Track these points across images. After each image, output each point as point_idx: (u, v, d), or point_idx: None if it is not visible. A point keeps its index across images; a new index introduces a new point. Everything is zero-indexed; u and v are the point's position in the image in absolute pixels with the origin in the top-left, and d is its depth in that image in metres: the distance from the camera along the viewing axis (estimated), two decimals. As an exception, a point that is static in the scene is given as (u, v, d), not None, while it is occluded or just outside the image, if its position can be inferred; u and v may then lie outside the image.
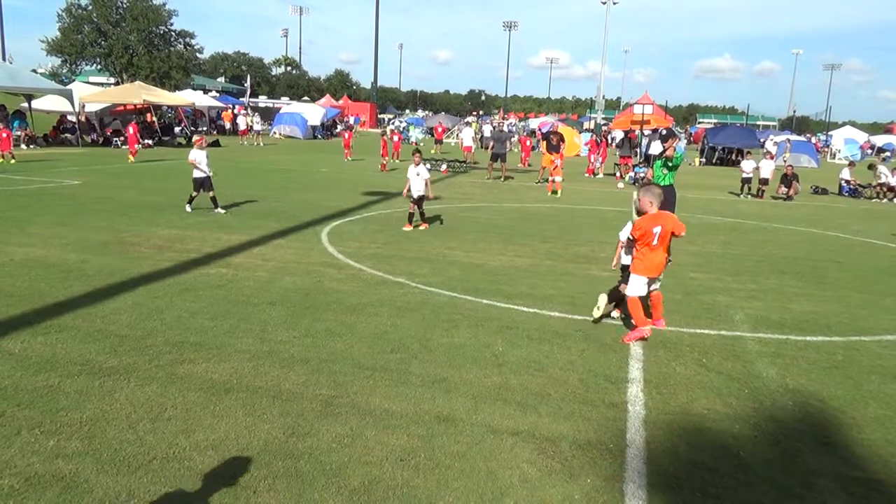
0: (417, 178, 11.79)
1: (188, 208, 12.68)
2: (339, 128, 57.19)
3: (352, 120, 61.93)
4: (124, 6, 56.66)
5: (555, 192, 19.65)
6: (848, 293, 8.72)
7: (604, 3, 50.93)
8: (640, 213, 6.40)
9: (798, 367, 5.82)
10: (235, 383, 4.90)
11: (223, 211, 12.78)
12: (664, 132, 11.48)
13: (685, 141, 55.25)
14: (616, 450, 4.19)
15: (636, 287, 6.27)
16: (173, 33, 59.47)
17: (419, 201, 11.93)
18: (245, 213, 12.89)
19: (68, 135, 30.44)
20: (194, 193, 12.77)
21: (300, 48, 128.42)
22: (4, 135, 21.66)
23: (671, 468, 4.02)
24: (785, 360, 6.00)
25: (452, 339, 6.11)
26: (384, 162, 25.19)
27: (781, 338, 6.64)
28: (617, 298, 6.78)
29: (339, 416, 4.45)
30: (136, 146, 24.32)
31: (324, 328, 6.22)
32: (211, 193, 12.82)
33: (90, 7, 55.71)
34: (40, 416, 4.22)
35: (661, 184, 10.02)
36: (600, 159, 28.28)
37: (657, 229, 6.13)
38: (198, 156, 12.75)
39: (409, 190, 11.91)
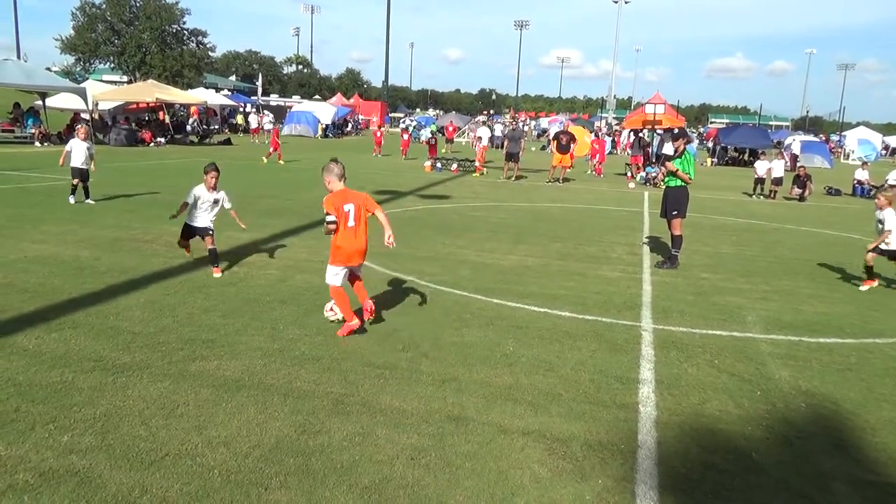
0: (215, 205, 8.19)
1: (71, 199, 12.77)
2: (349, 126, 57.43)
3: (361, 118, 62.08)
4: (137, 5, 57.04)
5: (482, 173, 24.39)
6: (861, 295, 8.65)
7: (615, 2, 50.80)
8: None
9: (811, 369, 5.78)
10: (247, 380, 4.92)
11: (93, 202, 12.95)
12: (676, 132, 11.34)
13: (697, 141, 54.94)
14: (627, 451, 4.18)
15: (332, 277, 5.97)
16: (186, 32, 59.80)
17: (203, 232, 8.09)
18: (256, 212, 12.93)
19: (81, 132, 30.61)
20: (74, 182, 12.90)
21: (311, 47, 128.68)
22: None
23: (683, 469, 4.01)
24: (797, 361, 5.96)
25: (463, 338, 6.11)
26: (429, 163, 26.44)
27: (794, 339, 6.59)
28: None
29: (350, 414, 4.46)
30: (274, 147, 25.46)
31: (335, 326, 6.22)
32: (85, 184, 12.96)
33: (104, 6, 56.11)
34: (54, 412, 4.26)
35: (670, 185, 9.92)
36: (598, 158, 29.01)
37: (348, 207, 5.81)
38: (73, 146, 12.91)
39: (188, 210, 8.13)
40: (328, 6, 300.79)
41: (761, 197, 21.91)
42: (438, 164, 26.09)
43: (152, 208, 12.67)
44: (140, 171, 19.93)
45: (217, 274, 7.88)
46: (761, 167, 22.58)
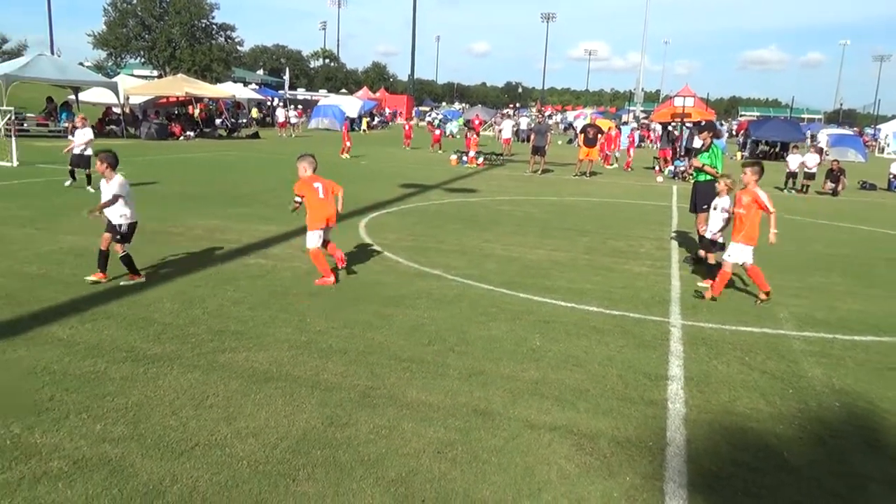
0: (119, 208, 7.00)
1: (66, 183, 13.96)
2: (376, 120, 57.58)
3: (388, 111, 62.13)
4: (167, 0, 57.72)
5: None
6: (898, 292, 8.43)
7: (645, -6, 50.11)
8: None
9: (845, 368, 5.66)
10: (275, 372, 4.96)
11: (92, 190, 13.19)
12: (703, 124, 11.17)
13: (726, 135, 54.08)
14: (656, 448, 4.13)
15: (312, 240, 7.26)
16: (214, 26, 60.37)
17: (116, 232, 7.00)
18: (284, 205, 13.01)
19: (114, 126, 31.14)
20: (70, 168, 13.96)
21: (338, 41, 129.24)
22: None
23: (712, 467, 3.95)
24: (831, 359, 5.84)
25: (489, 332, 6.10)
26: (455, 157, 25.90)
27: (828, 337, 6.46)
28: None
29: (376, 407, 4.47)
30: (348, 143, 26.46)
31: (361, 319, 6.25)
32: (87, 171, 13.75)
33: (135, 1, 56.90)
34: (87, 401, 4.34)
35: (699, 180, 9.79)
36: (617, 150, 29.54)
37: (317, 184, 7.30)
38: (78, 135, 14.04)
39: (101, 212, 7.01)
40: (355, 0, 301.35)
41: (793, 191, 21.50)
42: (464, 158, 26.02)
43: (182, 201, 12.83)
44: (170, 164, 20.19)
45: (134, 279, 7.06)
46: (794, 161, 22.15)
